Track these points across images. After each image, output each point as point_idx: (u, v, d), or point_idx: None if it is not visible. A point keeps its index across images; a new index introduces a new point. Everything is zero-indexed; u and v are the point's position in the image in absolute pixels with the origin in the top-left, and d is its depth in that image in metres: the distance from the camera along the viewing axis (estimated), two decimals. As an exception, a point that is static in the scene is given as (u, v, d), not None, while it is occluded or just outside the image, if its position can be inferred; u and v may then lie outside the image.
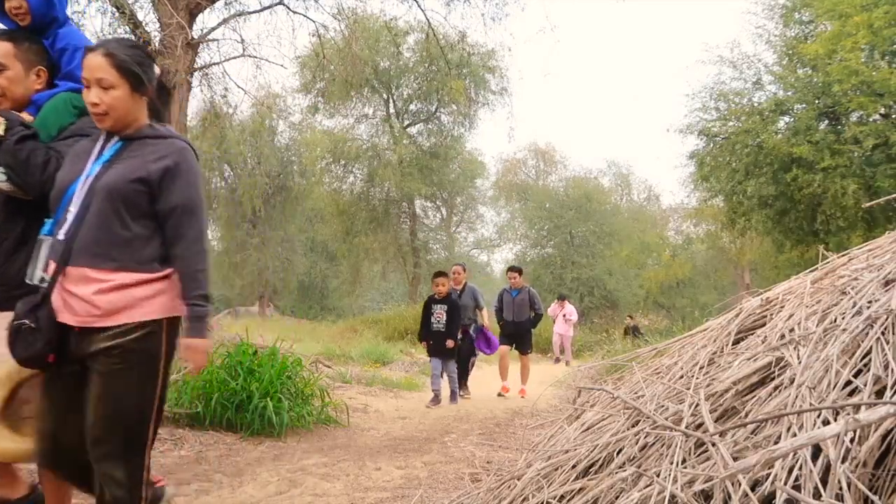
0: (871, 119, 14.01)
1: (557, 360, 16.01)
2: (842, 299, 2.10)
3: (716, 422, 1.91)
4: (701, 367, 2.24)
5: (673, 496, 1.66)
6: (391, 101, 25.44)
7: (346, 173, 26.27)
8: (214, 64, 7.05)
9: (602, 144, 70.59)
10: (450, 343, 7.46)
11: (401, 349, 14.07)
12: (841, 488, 1.40)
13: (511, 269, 9.49)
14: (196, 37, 6.42)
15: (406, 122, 25.86)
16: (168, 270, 2.11)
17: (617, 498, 1.88)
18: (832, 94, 13.47)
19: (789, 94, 14.91)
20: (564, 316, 16.27)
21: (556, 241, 29.07)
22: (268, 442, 4.86)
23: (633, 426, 2.14)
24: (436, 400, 7.44)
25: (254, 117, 24.02)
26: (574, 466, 2.16)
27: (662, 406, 2.13)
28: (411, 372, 10.87)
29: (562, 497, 2.05)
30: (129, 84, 2.11)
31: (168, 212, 2.11)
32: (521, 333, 8.92)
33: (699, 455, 1.80)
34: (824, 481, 1.46)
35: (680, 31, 75.60)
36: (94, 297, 2.01)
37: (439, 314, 7.60)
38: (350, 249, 27.26)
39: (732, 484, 1.55)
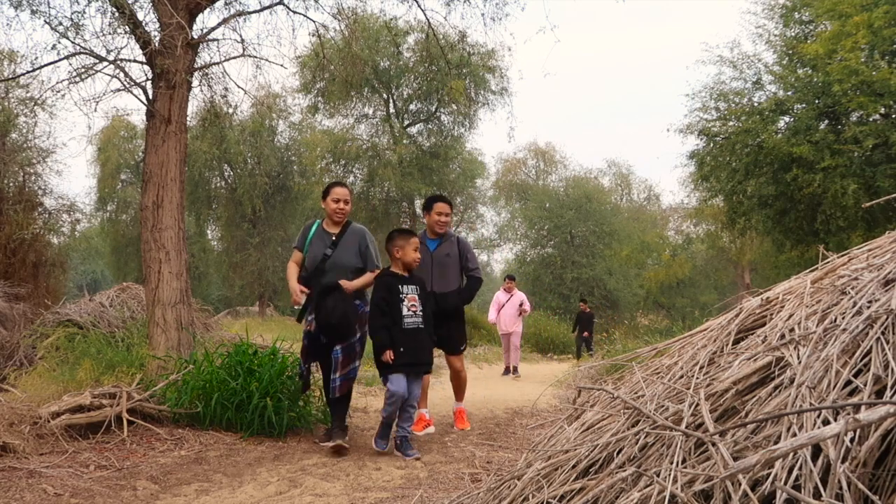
0: (871, 119, 14.02)
1: (508, 371, 11.55)
2: (842, 299, 2.10)
3: (716, 422, 1.91)
4: (701, 367, 2.24)
5: (673, 496, 1.66)
6: (391, 101, 25.45)
7: (346, 173, 26.27)
8: (214, 64, 7.04)
9: (602, 144, 70.67)
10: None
11: (401, 349, 14.03)
12: (841, 488, 1.40)
13: (437, 199, 5.55)
14: (196, 37, 6.41)
15: (406, 122, 25.87)
16: None
17: (617, 498, 1.88)
18: (832, 93, 13.48)
19: (789, 94, 14.93)
20: (521, 306, 11.39)
21: (556, 241, 29.10)
22: (268, 442, 4.86)
23: (633, 426, 2.14)
24: (413, 453, 4.52)
25: (254, 117, 24.08)
26: (574, 466, 2.16)
27: (662, 406, 2.13)
28: (411, 372, 10.85)
29: (562, 497, 2.05)
30: None
31: None
32: (444, 316, 5.17)
33: (699, 455, 1.80)
34: (824, 481, 1.46)
35: (680, 31, 75.60)
36: None
37: (413, 301, 4.61)
38: (350, 249, 27.21)
39: (732, 484, 1.55)
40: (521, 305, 11.44)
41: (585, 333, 16.55)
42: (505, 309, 11.51)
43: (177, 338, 6.02)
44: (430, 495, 3.44)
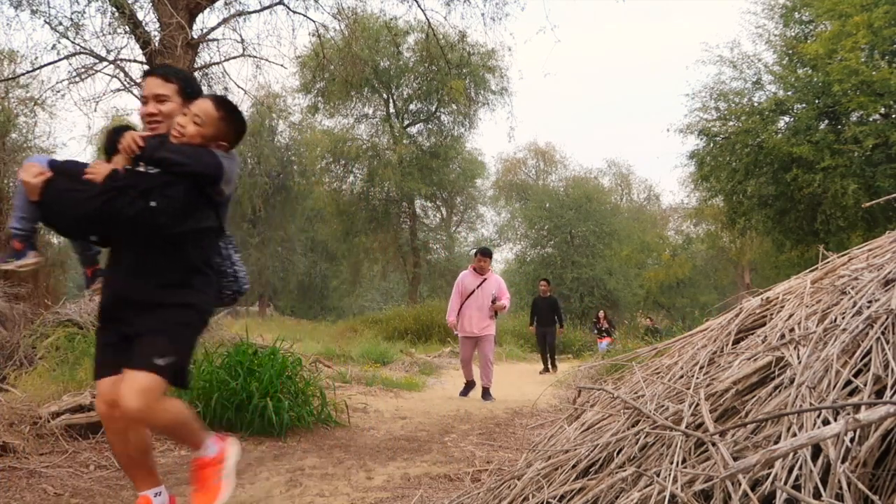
0: (871, 119, 14.03)
1: (468, 388, 7.94)
2: (842, 299, 2.10)
3: (716, 422, 1.91)
4: (701, 367, 2.24)
5: (673, 496, 1.66)
6: (391, 101, 25.46)
7: (346, 173, 26.31)
8: (214, 64, 7.05)
9: (602, 144, 70.68)
10: None
11: (401, 349, 14.08)
12: (841, 488, 1.40)
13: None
14: (196, 37, 6.42)
15: (406, 122, 25.88)
16: None
17: (617, 498, 1.88)
18: (832, 93, 13.49)
19: (789, 94, 14.93)
20: (494, 303, 7.67)
21: (556, 241, 29.10)
22: (268, 442, 4.86)
23: (633, 426, 2.14)
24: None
25: (254, 117, 24.06)
26: (574, 466, 2.16)
27: (662, 406, 2.13)
28: (411, 372, 10.88)
29: (562, 497, 2.05)
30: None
31: None
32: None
33: (699, 455, 1.80)
34: (824, 481, 1.46)
35: (680, 31, 75.66)
36: None
37: None
38: (350, 249, 27.29)
39: (732, 484, 1.55)
40: (493, 303, 7.65)
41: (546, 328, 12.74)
42: (472, 300, 7.66)
43: (177, 338, 6.01)
44: (430, 495, 3.43)
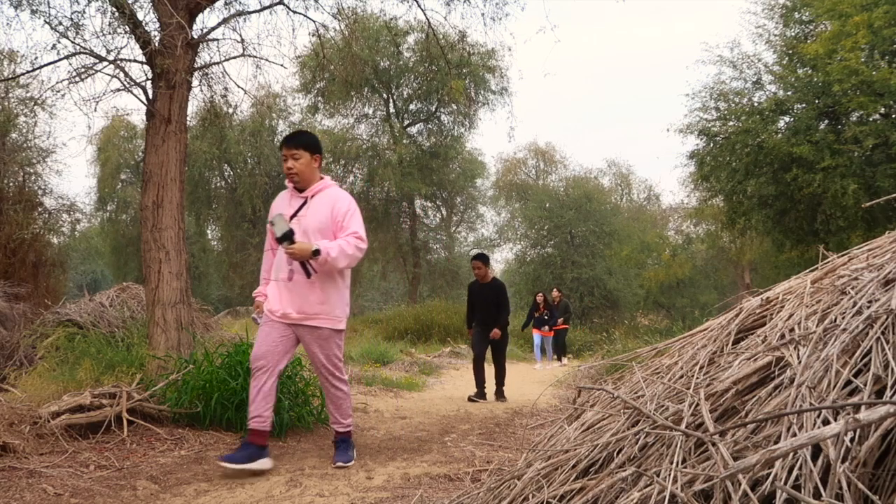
0: (871, 119, 14.03)
1: (254, 453, 3.84)
2: (842, 299, 2.10)
3: (716, 421, 1.91)
4: (701, 367, 2.24)
5: (673, 496, 1.66)
6: (391, 101, 25.45)
7: (346, 173, 26.30)
8: (214, 64, 7.03)
9: (602, 144, 70.64)
10: None
11: (401, 349, 14.08)
12: (841, 488, 1.40)
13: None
14: (196, 37, 6.41)
15: (406, 122, 25.89)
16: None
17: (617, 498, 1.88)
18: (832, 93, 13.49)
19: (789, 93, 14.93)
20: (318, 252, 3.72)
21: (556, 241, 29.09)
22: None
23: (633, 426, 2.14)
24: None
25: (254, 117, 24.07)
26: (574, 466, 2.16)
27: (662, 406, 2.13)
28: (411, 372, 10.88)
29: (562, 497, 2.05)
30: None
31: None
32: None
33: (699, 455, 1.80)
34: (824, 481, 1.46)
35: (680, 31, 75.64)
36: None
37: None
38: (350, 249, 27.21)
39: (732, 484, 1.55)
40: (314, 255, 3.70)
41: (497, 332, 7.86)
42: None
43: (177, 338, 6.02)
44: (430, 495, 3.43)
